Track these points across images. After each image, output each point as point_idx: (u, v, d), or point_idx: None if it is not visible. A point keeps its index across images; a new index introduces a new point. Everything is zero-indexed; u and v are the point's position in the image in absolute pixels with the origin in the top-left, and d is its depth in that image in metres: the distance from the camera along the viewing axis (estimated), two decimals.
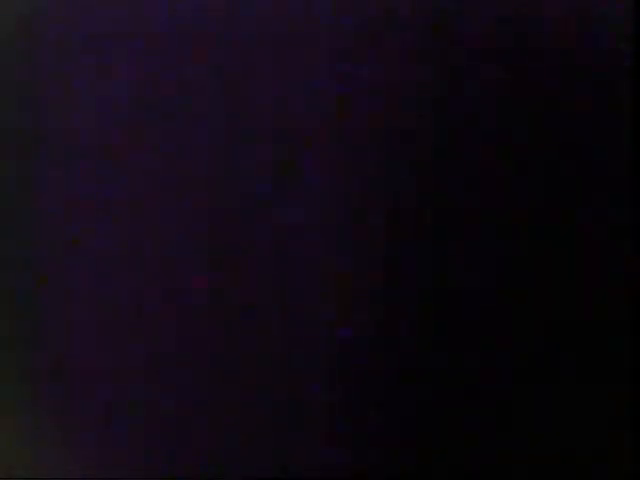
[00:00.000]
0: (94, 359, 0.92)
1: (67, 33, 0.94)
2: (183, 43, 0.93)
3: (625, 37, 0.94)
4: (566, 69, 0.93)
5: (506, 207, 0.92)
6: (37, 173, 0.93)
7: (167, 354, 0.91)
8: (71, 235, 0.93)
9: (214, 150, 0.92)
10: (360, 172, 0.92)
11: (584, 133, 0.93)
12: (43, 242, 0.93)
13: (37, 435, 0.92)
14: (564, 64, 0.93)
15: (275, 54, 0.92)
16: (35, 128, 0.93)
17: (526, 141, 0.93)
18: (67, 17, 0.94)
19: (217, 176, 0.92)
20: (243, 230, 0.92)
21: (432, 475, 0.91)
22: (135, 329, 0.92)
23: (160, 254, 0.92)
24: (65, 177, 0.93)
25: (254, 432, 0.91)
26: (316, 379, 0.91)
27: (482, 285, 0.91)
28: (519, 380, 0.91)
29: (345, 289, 0.91)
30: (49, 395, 0.92)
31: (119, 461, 0.92)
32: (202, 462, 0.91)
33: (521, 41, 0.93)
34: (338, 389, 0.91)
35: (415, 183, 0.92)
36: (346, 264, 0.92)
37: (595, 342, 0.92)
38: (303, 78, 0.92)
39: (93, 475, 0.92)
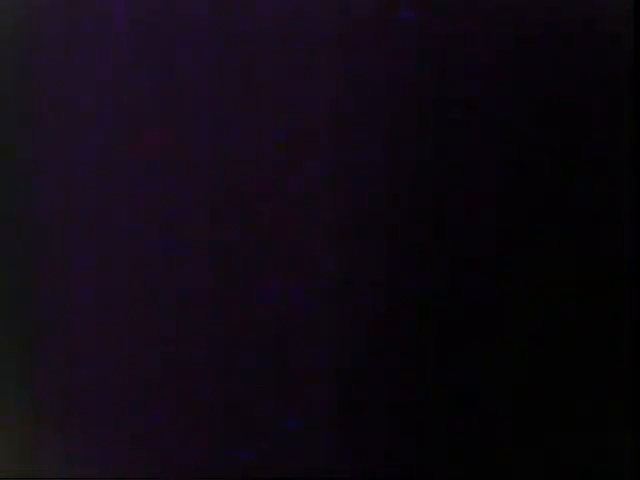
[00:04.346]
0: (94, 359, 0.92)
1: (67, 31, 0.94)
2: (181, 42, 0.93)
3: (625, 37, 0.94)
4: (566, 69, 0.93)
5: (506, 206, 0.92)
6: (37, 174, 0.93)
7: (167, 354, 0.91)
8: (71, 236, 0.93)
9: (214, 148, 0.92)
10: (361, 172, 0.92)
11: (584, 133, 0.93)
12: (43, 243, 0.93)
13: (37, 436, 0.92)
14: (564, 64, 0.93)
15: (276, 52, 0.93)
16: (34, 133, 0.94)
17: (526, 141, 0.92)
18: (67, 16, 0.94)
19: (217, 176, 0.92)
20: (243, 230, 0.92)
21: (432, 475, 0.91)
22: (135, 328, 0.92)
23: (160, 254, 0.92)
24: (65, 179, 0.93)
25: (254, 432, 0.91)
26: (316, 379, 0.91)
27: (482, 285, 0.91)
28: (519, 380, 0.91)
29: (346, 288, 0.91)
30: (49, 396, 0.92)
31: (119, 461, 0.92)
32: (202, 462, 0.91)
33: (520, 41, 0.93)
34: (338, 389, 0.91)
35: (415, 184, 0.92)
36: (347, 263, 0.92)
37: (595, 342, 0.92)
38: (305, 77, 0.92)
39: (93, 475, 0.91)
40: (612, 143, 0.93)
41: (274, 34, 0.93)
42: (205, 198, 0.92)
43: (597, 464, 0.92)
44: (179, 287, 0.92)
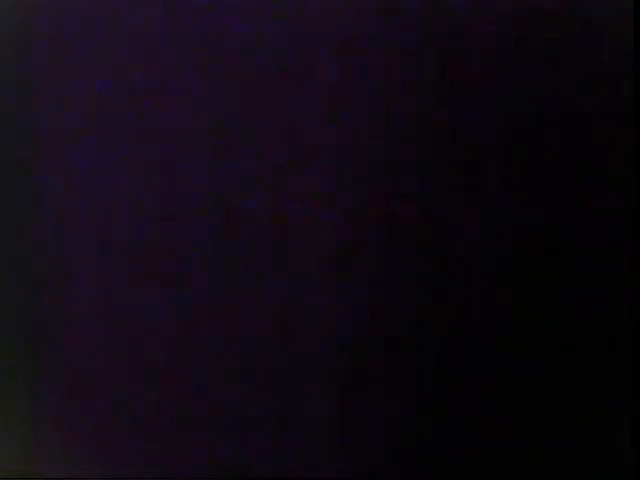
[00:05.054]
0: (94, 359, 0.92)
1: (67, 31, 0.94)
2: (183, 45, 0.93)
3: (625, 37, 0.94)
4: (566, 68, 0.93)
5: (506, 206, 0.92)
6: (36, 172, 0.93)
7: (167, 354, 0.91)
8: (71, 236, 0.93)
9: (214, 152, 0.92)
10: (360, 173, 0.92)
11: (584, 132, 0.93)
12: (43, 242, 0.93)
13: (37, 436, 0.92)
14: (564, 64, 0.93)
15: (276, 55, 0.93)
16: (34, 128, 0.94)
17: (526, 141, 0.93)
18: (67, 16, 0.94)
19: (217, 180, 0.92)
20: (243, 230, 0.92)
21: (432, 475, 0.91)
22: (135, 329, 0.92)
23: (159, 253, 0.92)
24: (65, 178, 0.93)
25: (254, 432, 0.91)
26: (316, 380, 0.91)
27: (482, 285, 0.91)
28: (518, 380, 0.91)
29: (346, 289, 0.91)
30: (49, 396, 0.92)
31: (119, 461, 0.92)
32: (202, 462, 0.91)
33: (521, 41, 0.93)
34: (338, 390, 0.91)
35: (415, 183, 0.92)
36: (347, 265, 0.92)
37: (595, 342, 0.92)
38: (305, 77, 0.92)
39: (93, 475, 0.92)
40: (612, 143, 0.93)
41: (274, 35, 0.93)
42: (205, 198, 0.92)
43: (597, 464, 0.92)
44: (179, 288, 0.92)
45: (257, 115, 0.92)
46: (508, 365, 0.91)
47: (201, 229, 0.92)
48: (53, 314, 0.92)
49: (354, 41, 0.92)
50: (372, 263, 0.91)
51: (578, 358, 0.92)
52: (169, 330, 0.91)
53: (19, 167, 0.93)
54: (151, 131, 0.92)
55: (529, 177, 0.92)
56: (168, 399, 0.91)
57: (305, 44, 0.92)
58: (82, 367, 0.92)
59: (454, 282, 0.91)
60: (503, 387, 0.91)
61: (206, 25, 0.93)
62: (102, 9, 0.94)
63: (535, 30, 0.93)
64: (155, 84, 0.93)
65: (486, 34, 0.93)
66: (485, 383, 0.91)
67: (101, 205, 0.93)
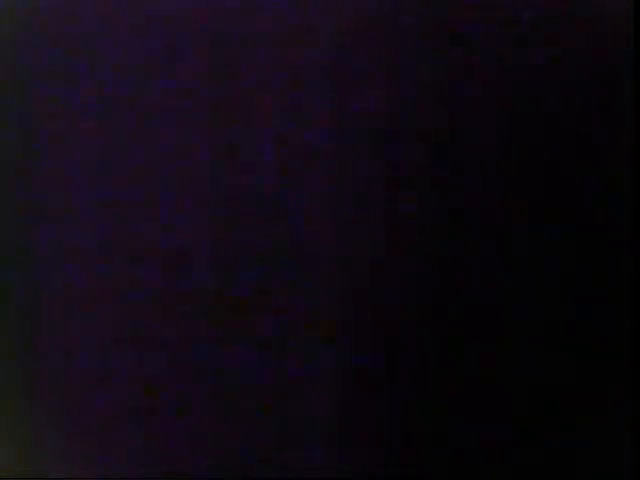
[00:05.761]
0: (94, 359, 0.92)
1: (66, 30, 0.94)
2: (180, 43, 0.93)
3: (625, 37, 0.94)
4: (566, 69, 0.93)
5: (505, 206, 0.92)
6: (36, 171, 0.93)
7: (167, 354, 0.91)
8: (71, 236, 0.93)
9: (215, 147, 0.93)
10: (361, 173, 0.92)
11: (584, 132, 0.93)
12: (44, 242, 0.93)
13: (37, 436, 0.92)
14: (564, 64, 0.93)
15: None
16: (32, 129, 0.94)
17: (526, 142, 0.93)
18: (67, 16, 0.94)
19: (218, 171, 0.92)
20: (242, 227, 0.92)
21: (432, 475, 0.91)
22: (135, 329, 0.92)
23: (159, 252, 0.92)
24: (63, 176, 0.93)
25: (254, 432, 0.91)
26: (316, 380, 0.91)
27: (482, 284, 0.92)
28: (518, 380, 0.91)
29: (345, 287, 0.91)
30: (49, 397, 0.92)
31: (119, 461, 0.92)
32: (202, 462, 0.91)
33: (520, 41, 0.93)
34: (338, 389, 0.91)
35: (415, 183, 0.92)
36: (346, 262, 0.92)
37: (595, 342, 0.92)
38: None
39: (93, 475, 0.92)
40: (612, 143, 0.93)
41: (273, 34, 0.93)
42: (205, 197, 0.92)
43: (597, 464, 0.92)
44: (179, 288, 0.92)
45: (257, 117, 0.92)
46: (508, 365, 0.91)
47: (201, 227, 0.92)
48: (53, 314, 0.92)
49: (354, 41, 0.92)
50: (372, 263, 0.92)
51: (578, 358, 0.92)
52: (170, 330, 0.91)
53: (19, 167, 0.93)
54: (152, 132, 0.93)
55: (528, 177, 0.92)
56: (168, 399, 0.91)
57: (305, 44, 0.92)
58: (82, 367, 0.92)
59: (453, 282, 0.91)
60: (502, 387, 0.91)
61: (206, 24, 0.93)
62: (103, 9, 0.94)
63: (535, 30, 0.93)
64: (155, 85, 0.93)
65: (485, 34, 0.93)
66: (485, 383, 0.91)
67: (101, 205, 0.93)
